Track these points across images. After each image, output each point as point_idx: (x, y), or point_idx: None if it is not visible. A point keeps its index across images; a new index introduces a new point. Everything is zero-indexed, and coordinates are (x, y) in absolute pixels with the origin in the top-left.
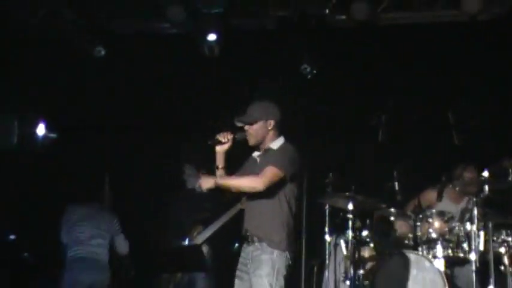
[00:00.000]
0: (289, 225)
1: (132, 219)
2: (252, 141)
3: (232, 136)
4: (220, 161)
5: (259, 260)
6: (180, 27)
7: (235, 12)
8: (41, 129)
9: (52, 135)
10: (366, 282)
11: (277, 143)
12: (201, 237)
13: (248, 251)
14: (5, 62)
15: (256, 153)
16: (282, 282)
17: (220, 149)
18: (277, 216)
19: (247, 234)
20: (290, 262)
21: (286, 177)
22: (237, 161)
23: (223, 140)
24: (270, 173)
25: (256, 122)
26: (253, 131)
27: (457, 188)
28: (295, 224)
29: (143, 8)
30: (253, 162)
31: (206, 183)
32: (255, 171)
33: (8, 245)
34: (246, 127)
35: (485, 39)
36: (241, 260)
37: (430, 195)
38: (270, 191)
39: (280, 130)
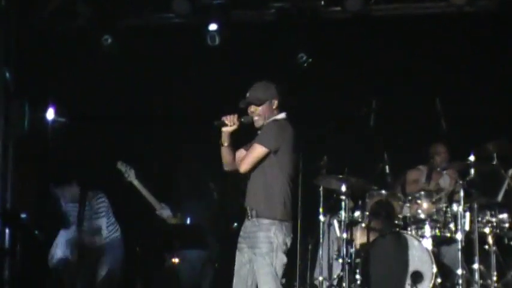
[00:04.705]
0: (282, 196)
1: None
2: (259, 123)
3: (238, 120)
4: (225, 140)
5: (256, 237)
6: (184, 18)
7: (236, 4)
8: (50, 114)
9: (61, 119)
10: (358, 260)
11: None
12: None
13: (246, 226)
14: (19, 50)
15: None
16: (282, 257)
17: (225, 130)
18: (268, 189)
19: (247, 208)
20: (290, 234)
21: (271, 151)
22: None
23: (229, 124)
24: (254, 152)
25: (263, 102)
26: (261, 112)
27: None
28: (292, 196)
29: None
30: None
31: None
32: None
33: (21, 224)
34: (253, 108)
35: (471, 30)
36: (241, 233)
37: (413, 175)
38: (258, 167)
39: (282, 108)
